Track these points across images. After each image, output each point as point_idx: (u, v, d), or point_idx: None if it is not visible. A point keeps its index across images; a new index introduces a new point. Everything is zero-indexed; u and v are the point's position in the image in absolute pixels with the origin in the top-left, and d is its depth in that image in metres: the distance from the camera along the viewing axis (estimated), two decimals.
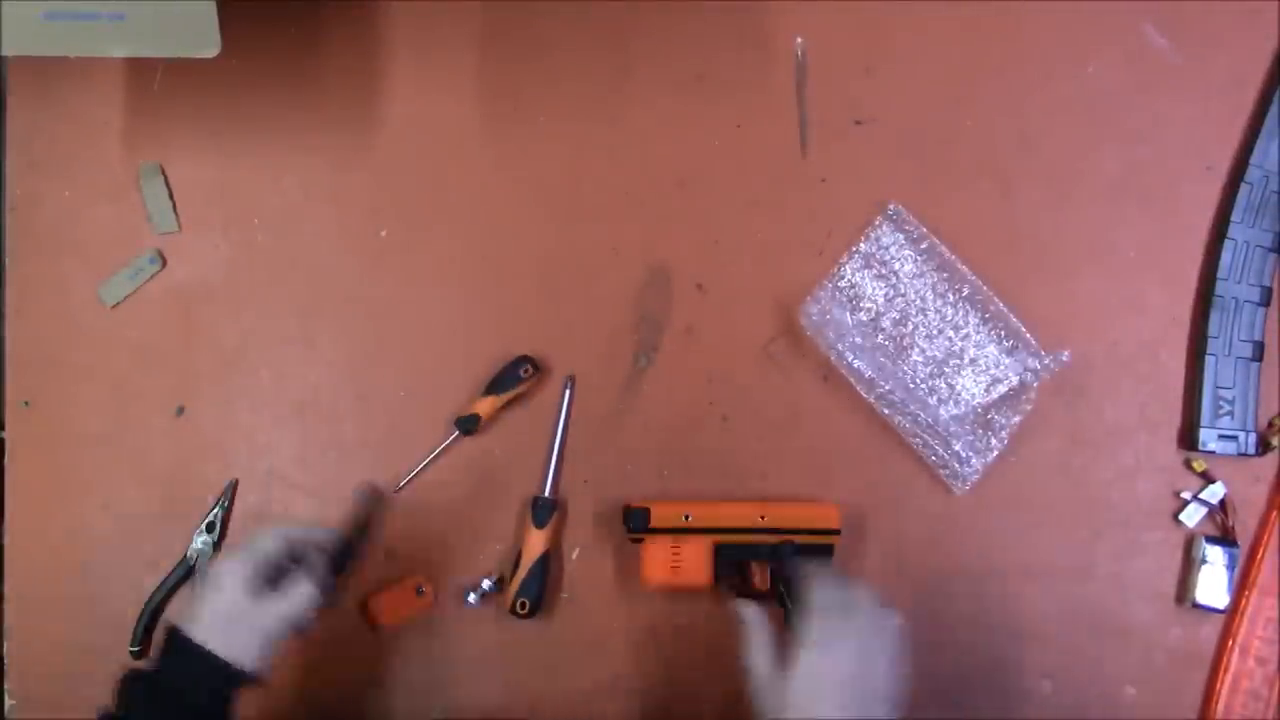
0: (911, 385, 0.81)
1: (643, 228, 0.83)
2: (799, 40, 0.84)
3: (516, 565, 0.79)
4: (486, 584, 0.80)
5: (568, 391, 0.81)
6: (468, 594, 0.79)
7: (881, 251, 0.82)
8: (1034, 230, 0.83)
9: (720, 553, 0.77)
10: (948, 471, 0.79)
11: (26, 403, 0.83)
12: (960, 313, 0.81)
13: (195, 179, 0.84)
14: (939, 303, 0.82)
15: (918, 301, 0.82)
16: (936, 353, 0.82)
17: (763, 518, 0.78)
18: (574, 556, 0.81)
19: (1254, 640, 0.79)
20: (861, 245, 0.82)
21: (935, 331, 0.82)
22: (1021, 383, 0.80)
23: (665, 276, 0.83)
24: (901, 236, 0.82)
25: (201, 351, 0.83)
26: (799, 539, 0.77)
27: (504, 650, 0.80)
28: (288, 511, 0.82)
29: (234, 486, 0.82)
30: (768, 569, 0.78)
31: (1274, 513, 0.80)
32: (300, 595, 0.65)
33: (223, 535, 0.81)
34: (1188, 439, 0.80)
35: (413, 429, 0.82)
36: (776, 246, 0.83)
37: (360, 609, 0.81)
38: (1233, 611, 0.79)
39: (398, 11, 0.84)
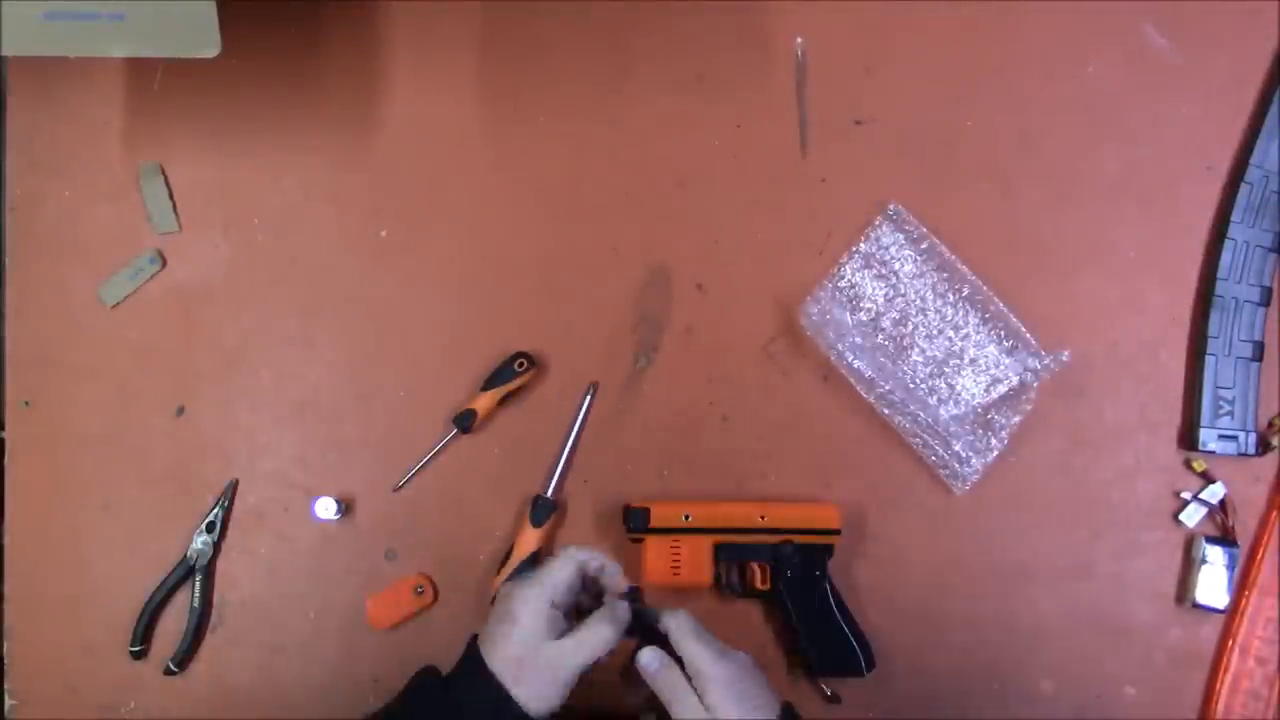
0: (911, 385, 0.81)
1: (643, 228, 0.83)
2: (799, 40, 0.84)
3: (506, 559, 0.79)
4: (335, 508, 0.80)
5: (589, 398, 0.81)
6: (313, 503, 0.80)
7: (881, 251, 0.82)
8: (1034, 230, 0.83)
9: (720, 553, 0.77)
10: (948, 471, 0.79)
11: (26, 403, 0.83)
12: (960, 313, 0.81)
13: (195, 179, 0.84)
14: (939, 303, 0.82)
15: (918, 301, 0.82)
16: (936, 353, 0.82)
17: (763, 518, 0.78)
18: None
19: (1254, 640, 0.79)
20: (861, 245, 0.82)
21: (935, 331, 0.82)
22: (1021, 383, 0.80)
23: (665, 276, 0.83)
24: (901, 236, 0.82)
25: (201, 351, 0.83)
26: (799, 539, 0.77)
27: None
28: (288, 511, 0.82)
29: (234, 486, 0.82)
30: (768, 569, 0.78)
31: (1274, 513, 0.80)
32: (598, 640, 0.62)
33: (223, 535, 0.82)
34: (1188, 439, 0.80)
35: (413, 429, 0.82)
36: (776, 246, 0.83)
37: (360, 609, 0.81)
38: (1233, 611, 0.79)
39: (398, 11, 0.84)
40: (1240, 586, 0.79)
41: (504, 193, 0.84)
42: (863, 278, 0.82)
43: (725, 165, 0.83)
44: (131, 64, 0.84)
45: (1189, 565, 0.80)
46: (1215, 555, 0.78)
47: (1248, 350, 0.80)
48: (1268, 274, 0.81)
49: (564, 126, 0.84)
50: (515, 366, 0.80)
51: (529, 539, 0.79)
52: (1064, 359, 0.78)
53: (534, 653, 0.61)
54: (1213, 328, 0.80)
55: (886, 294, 0.82)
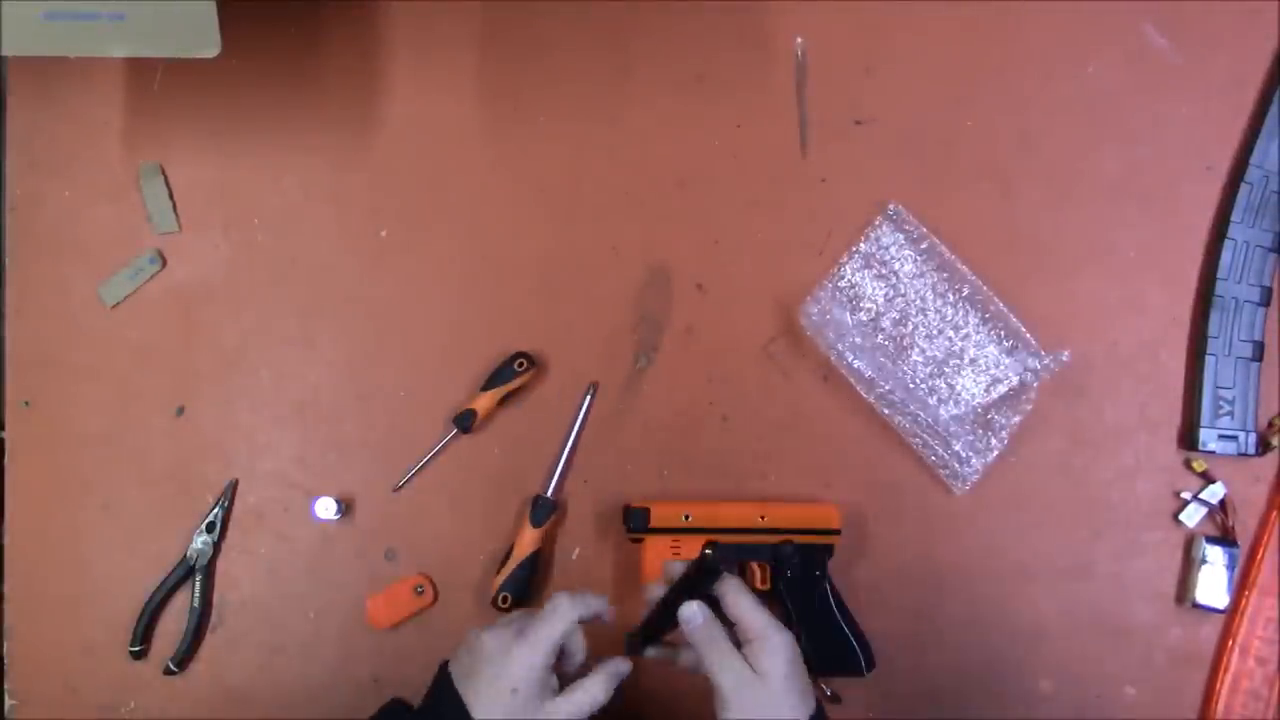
0: (911, 385, 0.81)
1: (643, 228, 0.83)
2: (799, 40, 0.84)
3: (506, 559, 0.79)
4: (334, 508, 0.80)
5: (588, 398, 0.81)
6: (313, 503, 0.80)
7: (881, 251, 0.82)
8: (1034, 230, 0.83)
9: (720, 552, 0.77)
10: (948, 471, 0.79)
11: (26, 403, 0.83)
12: (960, 313, 0.81)
13: (195, 179, 0.84)
14: (939, 303, 0.82)
15: (918, 301, 0.82)
16: (936, 353, 0.82)
17: (763, 518, 0.78)
18: (574, 556, 0.81)
19: (1254, 640, 0.79)
20: (861, 245, 0.82)
21: (935, 331, 0.82)
22: (1021, 383, 0.80)
23: (665, 276, 0.83)
24: (901, 236, 0.82)
25: (201, 351, 0.83)
26: (799, 539, 0.77)
27: None
28: (288, 511, 0.82)
29: (234, 486, 0.82)
30: (768, 569, 0.78)
31: (1274, 513, 0.80)
32: (591, 701, 0.61)
33: (223, 535, 0.82)
34: (1188, 439, 0.80)
35: (413, 429, 0.82)
36: (776, 246, 0.83)
37: (360, 609, 0.81)
38: (1233, 611, 0.79)
39: (398, 11, 0.84)
40: (1240, 586, 0.79)
41: (504, 193, 0.84)
42: (863, 278, 0.82)
43: (725, 165, 0.83)
44: (131, 64, 0.84)
45: (1189, 565, 0.80)
46: (1215, 555, 0.78)
47: (1248, 350, 0.80)
48: (1268, 274, 0.81)
49: (564, 126, 0.84)
50: (515, 366, 0.80)
51: (528, 539, 0.79)
52: (1064, 359, 0.78)
53: (529, 716, 0.60)
54: (1213, 328, 0.80)
55: (886, 294, 0.82)
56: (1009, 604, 0.80)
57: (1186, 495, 0.80)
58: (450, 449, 0.81)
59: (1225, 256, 0.80)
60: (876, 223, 0.82)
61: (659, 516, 0.78)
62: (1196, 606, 0.79)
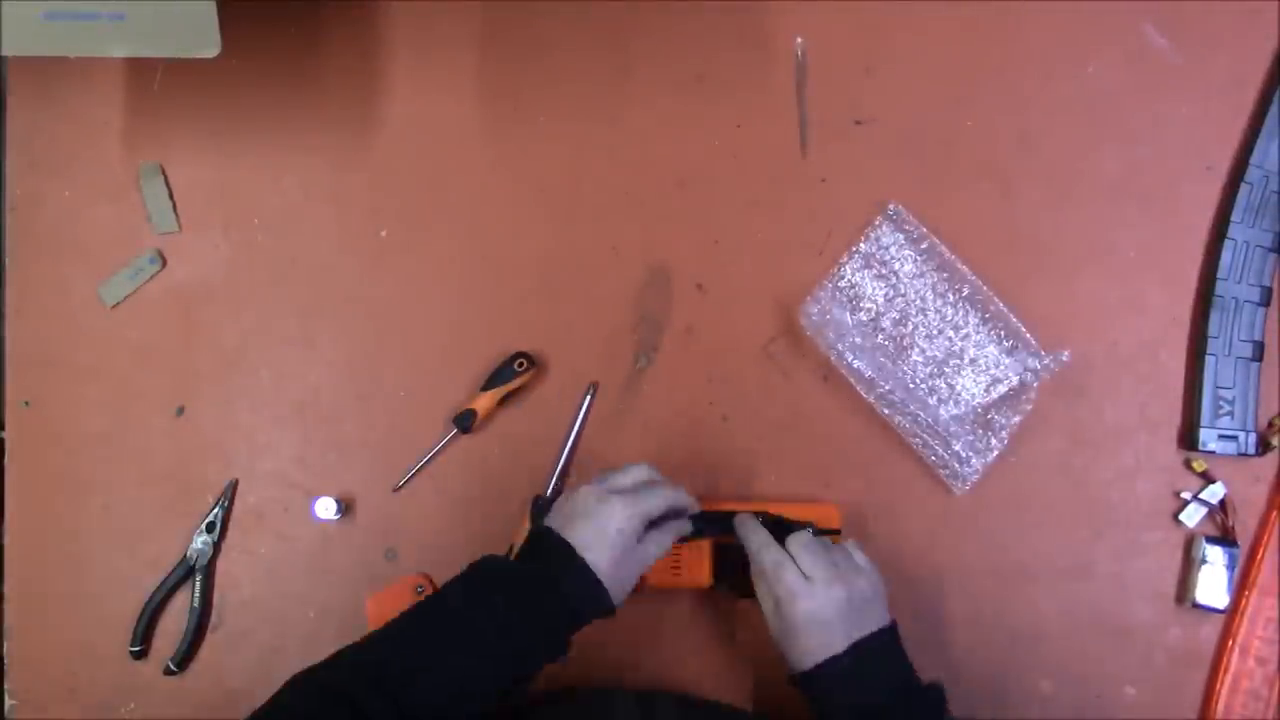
0: (911, 385, 0.81)
1: (643, 228, 0.83)
2: (799, 40, 0.84)
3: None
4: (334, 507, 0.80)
5: (588, 398, 0.81)
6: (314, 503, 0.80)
7: (881, 251, 0.82)
8: (1034, 230, 0.83)
9: (720, 553, 0.77)
10: (948, 471, 0.79)
11: (26, 403, 0.83)
12: (960, 313, 0.81)
13: (195, 179, 0.84)
14: (939, 303, 0.82)
15: (918, 301, 0.82)
16: (936, 353, 0.82)
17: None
18: None
19: (1254, 640, 0.79)
20: (861, 245, 0.82)
21: (935, 331, 0.82)
22: (1021, 383, 0.80)
23: (665, 276, 0.83)
24: (901, 236, 0.82)
25: (201, 351, 0.83)
26: None
27: None
28: (288, 511, 0.82)
29: (234, 486, 0.82)
30: None
31: (1274, 513, 0.80)
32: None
33: (223, 535, 0.82)
34: (1188, 439, 0.80)
35: (413, 429, 0.82)
36: (776, 246, 0.83)
37: (360, 609, 0.81)
38: (1233, 611, 0.79)
39: (398, 11, 0.85)
40: (1240, 586, 0.79)
41: (504, 193, 0.84)
42: (863, 278, 0.82)
43: (725, 165, 0.83)
44: (131, 64, 0.84)
45: (1189, 565, 0.80)
46: (1215, 555, 0.78)
47: (1248, 350, 0.80)
48: (1268, 274, 0.81)
49: (564, 126, 0.84)
50: (515, 366, 0.80)
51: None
52: (1064, 359, 0.78)
53: (628, 554, 0.66)
54: (1213, 328, 0.80)
55: (886, 294, 0.82)
56: (1009, 604, 0.80)
57: (1186, 495, 0.80)
58: (450, 449, 0.82)
59: (1225, 256, 0.80)
60: (876, 223, 0.82)
61: None
62: (1196, 606, 0.79)
